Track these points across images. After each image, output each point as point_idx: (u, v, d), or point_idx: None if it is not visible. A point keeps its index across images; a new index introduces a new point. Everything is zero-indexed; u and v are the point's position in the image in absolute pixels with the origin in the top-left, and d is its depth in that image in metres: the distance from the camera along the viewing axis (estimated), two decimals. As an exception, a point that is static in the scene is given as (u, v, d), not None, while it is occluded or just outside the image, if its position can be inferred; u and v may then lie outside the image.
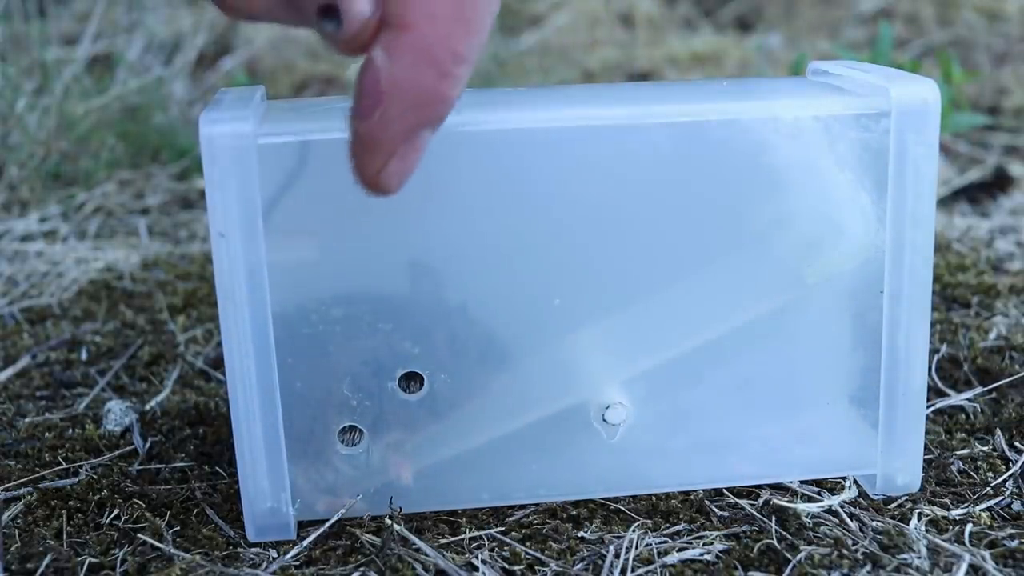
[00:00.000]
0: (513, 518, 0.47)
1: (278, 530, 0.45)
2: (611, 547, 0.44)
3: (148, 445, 0.54)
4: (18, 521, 0.48)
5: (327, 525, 0.45)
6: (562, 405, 0.46)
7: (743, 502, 0.47)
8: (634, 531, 0.45)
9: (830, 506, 0.46)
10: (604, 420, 0.46)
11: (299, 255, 0.43)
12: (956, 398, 0.56)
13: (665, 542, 0.45)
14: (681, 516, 0.46)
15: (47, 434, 0.55)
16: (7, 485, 0.50)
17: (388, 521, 0.45)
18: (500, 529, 0.46)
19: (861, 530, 0.45)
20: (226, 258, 0.41)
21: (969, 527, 0.45)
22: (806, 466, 0.48)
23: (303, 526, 0.46)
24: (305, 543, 0.45)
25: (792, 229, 0.44)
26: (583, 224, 0.44)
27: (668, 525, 0.46)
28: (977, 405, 0.55)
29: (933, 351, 0.60)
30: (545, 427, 0.46)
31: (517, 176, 0.43)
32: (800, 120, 0.43)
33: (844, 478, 0.48)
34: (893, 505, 0.47)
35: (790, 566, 0.43)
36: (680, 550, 0.44)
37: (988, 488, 0.48)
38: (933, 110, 0.43)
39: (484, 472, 0.46)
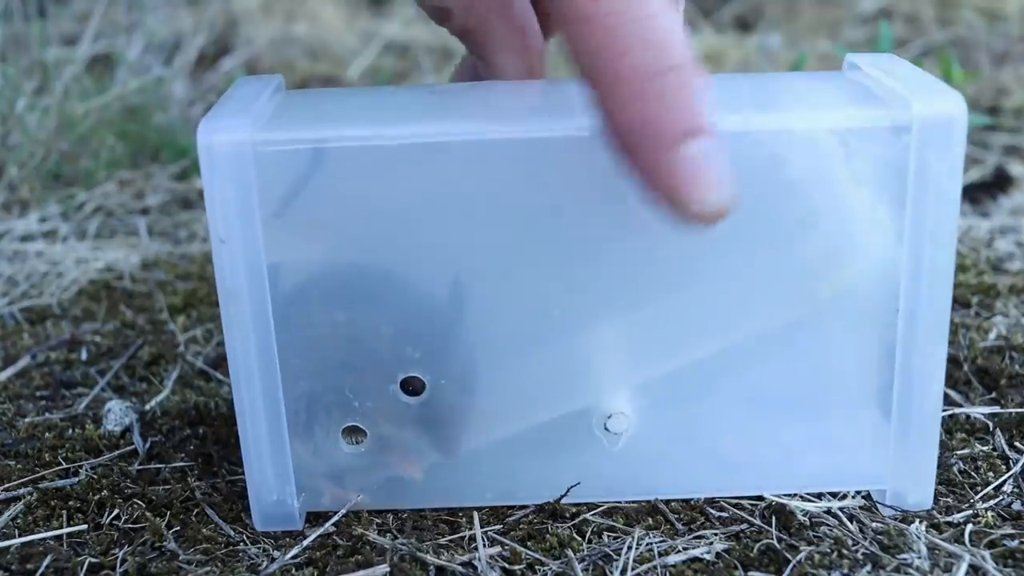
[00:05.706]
0: (513, 518, 0.47)
1: (283, 520, 0.46)
2: (611, 547, 0.44)
3: (148, 445, 0.54)
4: (18, 521, 0.48)
5: (328, 524, 0.45)
6: (564, 411, 0.45)
7: (743, 502, 0.47)
8: (634, 531, 0.45)
9: (830, 507, 0.46)
10: (606, 429, 0.46)
11: (302, 258, 0.43)
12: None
13: (665, 542, 0.45)
14: (681, 516, 0.46)
15: (47, 434, 0.55)
16: (7, 485, 0.50)
17: (389, 521, 0.45)
18: (500, 529, 0.46)
19: (861, 530, 0.45)
20: (227, 263, 0.41)
21: (969, 527, 0.45)
22: (814, 480, 0.47)
23: (308, 522, 0.46)
24: (306, 543, 0.45)
25: (806, 243, 0.43)
26: (589, 229, 0.43)
27: (668, 525, 0.46)
28: (976, 405, 0.55)
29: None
30: (547, 432, 0.46)
31: (524, 181, 0.42)
32: (814, 133, 0.42)
33: (845, 479, 0.49)
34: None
35: (790, 566, 0.43)
36: (680, 550, 0.44)
37: (988, 488, 0.48)
38: (958, 126, 0.41)
39: (486, 474, 0.46)
